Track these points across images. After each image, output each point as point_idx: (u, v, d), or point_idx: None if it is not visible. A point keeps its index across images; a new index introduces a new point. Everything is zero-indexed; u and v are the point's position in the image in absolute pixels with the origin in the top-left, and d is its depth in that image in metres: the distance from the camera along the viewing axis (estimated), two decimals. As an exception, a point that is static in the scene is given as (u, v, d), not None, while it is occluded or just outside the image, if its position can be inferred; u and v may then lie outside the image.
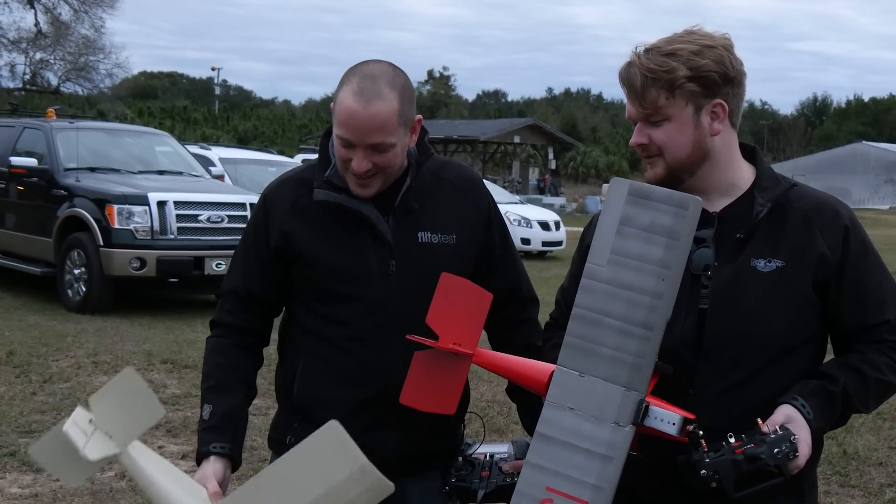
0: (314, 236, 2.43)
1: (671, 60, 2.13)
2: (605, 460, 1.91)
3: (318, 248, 2.42)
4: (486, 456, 2.43)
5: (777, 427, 2.01)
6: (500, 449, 2.45)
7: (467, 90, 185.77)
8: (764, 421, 2.02)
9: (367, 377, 2.42)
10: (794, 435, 2.00)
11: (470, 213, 2.54)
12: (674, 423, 1.94)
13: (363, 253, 2.40)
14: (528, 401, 2.49)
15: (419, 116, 2.46)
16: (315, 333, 2.45)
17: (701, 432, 1.96)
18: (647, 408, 1.95)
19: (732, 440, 1.97)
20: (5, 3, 38.21)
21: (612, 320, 1.94)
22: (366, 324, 2.41)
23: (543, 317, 2.63)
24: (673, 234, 1.93)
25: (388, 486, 1.91)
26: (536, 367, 2.17)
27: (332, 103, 2.41)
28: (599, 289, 1.96)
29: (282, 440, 2.53)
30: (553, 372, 2.02)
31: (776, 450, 1.95)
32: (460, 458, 2.45)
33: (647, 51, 2.17)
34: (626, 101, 2.23)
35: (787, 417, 2.04)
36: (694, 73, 2.13)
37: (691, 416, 1.98)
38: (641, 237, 1.95)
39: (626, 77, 2.19)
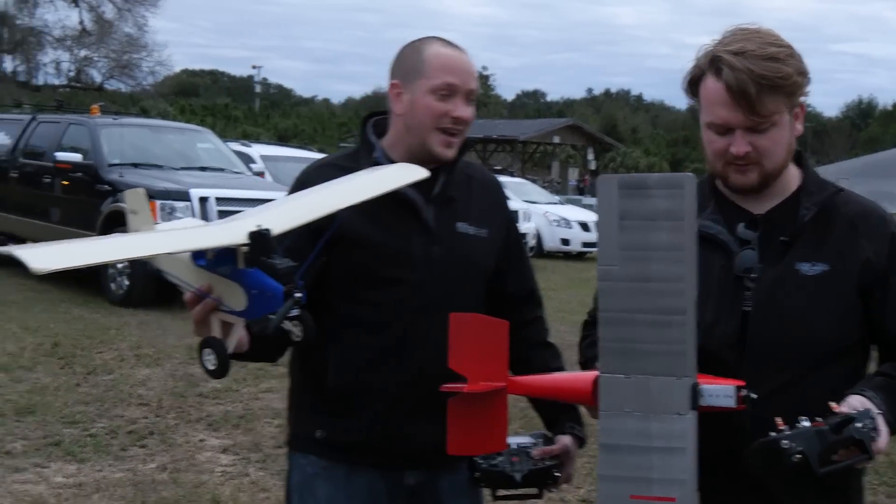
0: (360, 218, 2.39)
1: (782, 66, 2.08)
2: (679, 453, 1.88)
3: (365, 229, 2.40)
4: (510, 445, 2.41)
5: (854, 407, 1.94)
6: (523, 440, 2.45)
7: (506, 90, 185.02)
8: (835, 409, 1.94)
9: (405, 359, 2.41)
10: (875, 411, 1.92)
11: (497, 212, 2.62)
12: (730, 396, 1.90)
13: (407, 236, 2.41)
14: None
15: None
16: (351, 319, 2.44)
17: (755, 395, 1.91)
18: (700, 388, 1.92)
19: (805, 422, 1.88)
20: (51, 1, 38.74)
21: (642, 315, 1.92)
22: (405, 307, 2.42)
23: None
24: (675, 216, 1.90)
25: (420, 170, 2.35)
26: (576, 378, 2.12)
27: (411, 66, 2.45)
28: (619, 288, 1.94)
29: (309, 436, 2.49)
30: (597, 380, 1.99)
31: (860, 424, 1.87)
32: None
33: (738, 55, 2.08)
34: (719, 107, 2.11)
35: (861, 404, 1.97)
36: (803, 80, 2.12)
37: (741, 383, 1.93)
38: (644, 227, 1.92)
39: (737, 84, 2.06)
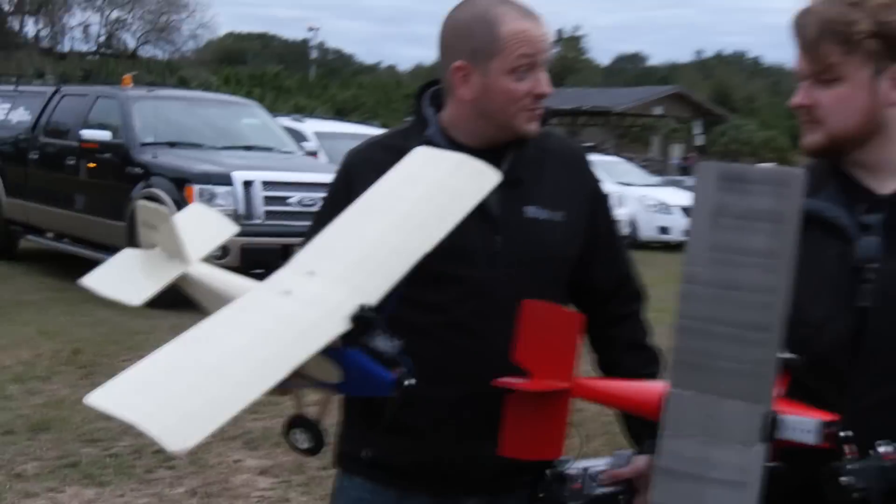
0: None
1: (854, 11, 2.11)
2: (738, 487, 1.86)
3: None
4: (579, 470, 2.43)
5: None
6: (598, 462, 2.45)
7: (601, 53, 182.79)
8: None
9: (462, 371, 2.42)
10: None
11: (578, 190, 2.58)
12: (810, 431, 1.89)
13: (466, 226, 2.34)
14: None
15: None
16: (402, 324, 2.33)
17: (850, 433, 1.88)
18: (778, 419, 1.89)
19: (882, 448, 1.89)
20: (80, -45, 39.48)
21: (722, 327, 1.91)
22: (464, 309, 2.44)
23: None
24: (776, 218, 1.89)
25: (492, 173, 2.34)
26: (646, 389, 2.13)
27: (481, 44, 2.42)
28: (702, 293, 1.93)
29: (355, 456, 2.54)
30: (664, 394, 1.99)
31: None
32: (548, 473, 2.43)
33: None
34: (796, 54, 2.22)
35: None
36: (878, 29, 2.11)
37: (832, 418, 1.90)
38: (740, 227, 1.91)
39: (799, 26, 2.18)
